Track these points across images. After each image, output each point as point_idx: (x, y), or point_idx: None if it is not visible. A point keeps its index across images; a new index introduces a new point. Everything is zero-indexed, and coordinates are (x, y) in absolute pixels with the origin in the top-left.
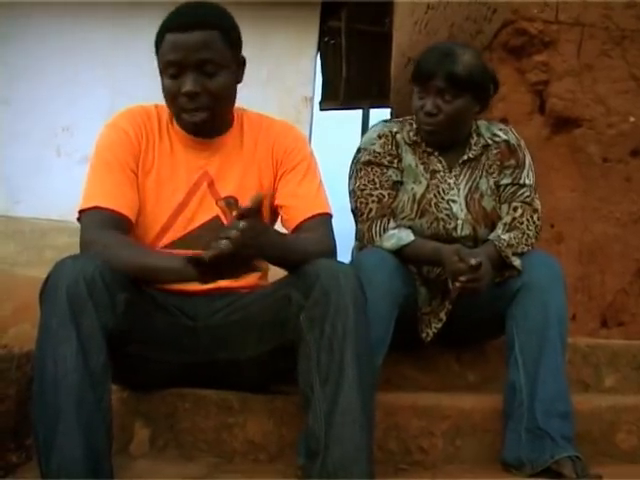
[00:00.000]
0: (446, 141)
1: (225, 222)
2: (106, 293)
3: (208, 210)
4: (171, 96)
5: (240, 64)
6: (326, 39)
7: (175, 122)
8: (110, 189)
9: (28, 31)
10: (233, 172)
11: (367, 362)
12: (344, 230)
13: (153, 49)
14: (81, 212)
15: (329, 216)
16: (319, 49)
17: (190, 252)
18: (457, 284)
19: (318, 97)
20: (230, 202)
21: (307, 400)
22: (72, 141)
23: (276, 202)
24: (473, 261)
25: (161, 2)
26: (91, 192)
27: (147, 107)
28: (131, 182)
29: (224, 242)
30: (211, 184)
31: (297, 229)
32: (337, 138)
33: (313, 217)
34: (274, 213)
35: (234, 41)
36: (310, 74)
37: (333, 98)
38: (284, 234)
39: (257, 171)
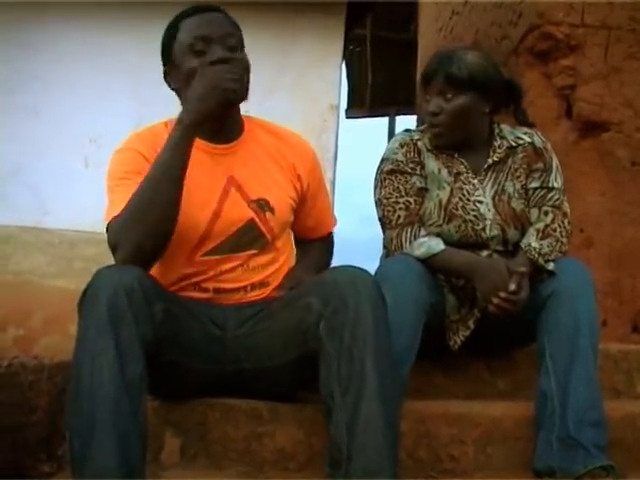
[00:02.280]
0: (457, 142)
1: (259, 223)
2: (145, 303)
3: (242, 213)
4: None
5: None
6: (351, 47)
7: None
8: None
9: (55, 41)
10: (256, 174)
11: (389, 370)
12: (371, 238)
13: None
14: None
15: (332, 232)
16: (344, 57)
17: (230, 256)
18: (495, 300)
19: (344, 105)
20: (262, 204)
21: (328, 410)
22: (99, 153)
23: (296, 215)
24: (512, 286)
25: (189, 1)
26: (112, 210)
27: (155, 127)
28: None
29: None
30: (239, 188)
31: (306, 243)
32: (364, 146)
33: (324, 237)
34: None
35: (240, 30)
36: (336, 81)
37: (359, 105)
38: (308, 269)
39: (279, 171)
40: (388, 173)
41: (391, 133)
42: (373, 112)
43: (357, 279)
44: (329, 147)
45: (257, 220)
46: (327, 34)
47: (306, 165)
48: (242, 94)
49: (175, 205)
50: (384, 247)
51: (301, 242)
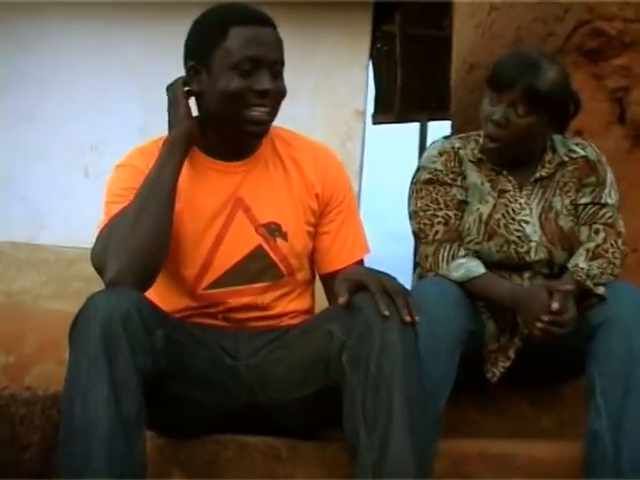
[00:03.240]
0: (509, 159)
1: (269, 250)
2: (143, 330)
3: (249, 240)
4: (239, 95)
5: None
6: (379, 45)
7: (197, 144)
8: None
9: (53, 40)
10: (269, 195)
11: (420, 405)
12: (400, 256)
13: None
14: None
15: (363, 260)
16: (371, 56)
17: (237, 289)
18: (538, 325)
19: (371, 110)
20: (272, 229)
21: (354, 449)
22: (101, 161)
23: (315, 240)
24: (555, 305)
25: (201, 2)
26: (106, 216)
27: (160, 141)
28: None
29: None
30: (247, 210)
31: (332, 275)
32: (392, 155)
33: (350, 265)
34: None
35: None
36: (362, 84)
37: (387, 111)
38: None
39: (296, 193)
40: (425, 183)
41: (422, 141)
42: (402, 118)
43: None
44: (354, 156)
45: (266, 247)
46: (352, 32)
47: (327, 181)
48: (269, 126)
49: (163, 226)
50: (417, 265)
51: (327, 279)
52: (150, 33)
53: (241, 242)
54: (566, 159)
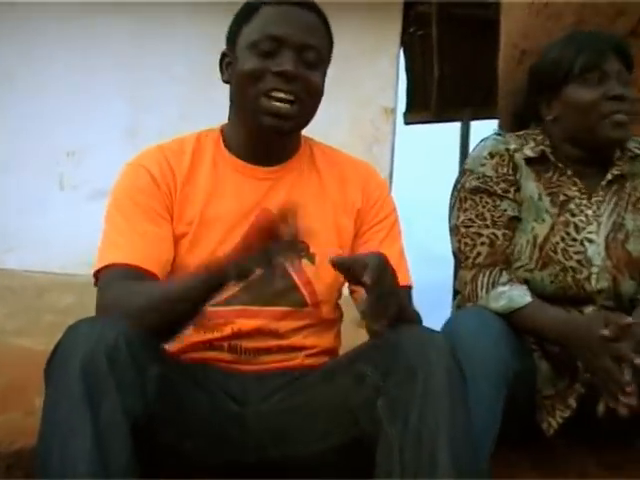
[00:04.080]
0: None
1: (292, 272)
2: (133, 367)
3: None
4: (255, 77)
5: (326, 70)
6: (412, 29)
7: (224, 145)
8: (130, 243)
9: (25, 28)
10: (302, 210)
11: (468, 465)
12: (437, 282)
13: (189, 50)
14: (97, 275)
15: (410, 289)
16: (402, 43)
17: (248, 308)
18: (622, 398)
19: (402, 107)
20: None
21: None
22: (79, 170)
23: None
24: (627, 378)
25: None
26: (107, 249)
27: (184, 139)
28: (159, 230)
29: None
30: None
31: None
32: (427, 161)
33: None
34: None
35: (331, 38)
36: (391, 77)
37: (422, 108)
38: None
39: (331, 211)
40: (472, 192)
41: (464, 144)
42: (440, 116)
43: (428, 343)
44: (382, 163)
45: (289, 267)
46: (380, 14)
47: (369, 198)
48: (296, 124)
49: (187, 323)
50: (457, 292)
51: None
52: (141, 18)
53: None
54: (638, 152)
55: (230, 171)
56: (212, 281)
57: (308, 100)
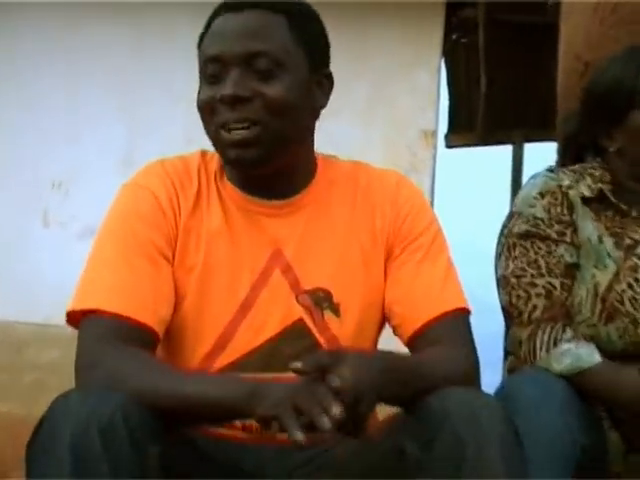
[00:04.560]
0: None
1: (312, 327)
2: (130, 446)
3: (286, 310)
4: (209, 110)
5: (321, 78)
6: (455, 36)
7: (225, 174)
8: (122, 283)
9: (10, 41)
10: (321, 250)
11: None
12: (486, 332)
13: (193, 66)
14: (73, 316)
15: (466, 313)
16: (444, 54)
17: (263, 376)
18: None
19: (443, 128)
20: (320, 298)
21: None
22: (67, 204)
23: (384, 298)
24: None
25: None
26: (91, 286)
27: (188, 158)
28: (159, 273)
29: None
30: (287, 270)
31: (417, 338)
32: (473, 192)
33: (441, 318)
34: (381, 312)
35: (308, 36)
36: (432, 94)
37: (466, 128)
38: (400, 356)
39: (358, 248)
40: (522, 237)
41: (516, 172)
42: (488, 138)
43: (479, 409)
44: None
45: (309, 322)
46: (418, 21)
47: (398, 210)
48: (264, 150)
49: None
50: (508, 353)
51: (415, 346)
52: (138, 27)
53: (275, 313)
54: None
55: (232, 206)
56: (238, 409)
57: (270, 118)
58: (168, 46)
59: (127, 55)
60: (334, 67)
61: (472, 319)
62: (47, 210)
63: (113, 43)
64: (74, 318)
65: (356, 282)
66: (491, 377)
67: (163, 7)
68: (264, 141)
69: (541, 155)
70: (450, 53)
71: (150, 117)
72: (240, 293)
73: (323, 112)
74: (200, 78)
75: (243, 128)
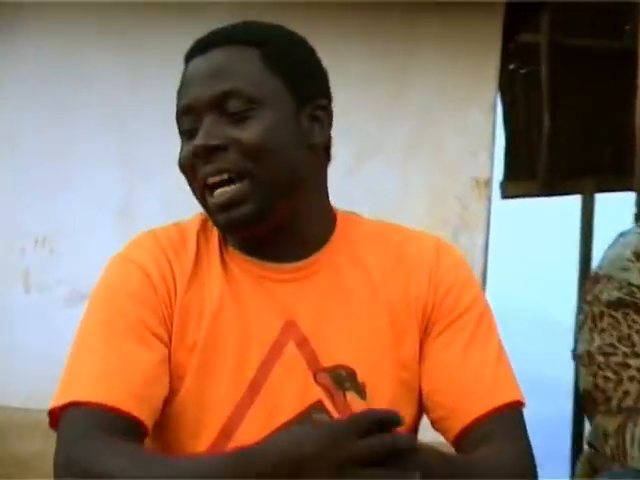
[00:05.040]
0: None
1: (333, 412)
2: None
3: (302, 392)
4: (190, 170)
5: (314, 110)
6: (513, 66)
7: (228, 238)
8: (107, 370)
9: None
10: (342, 320)
11: None
12: (549, 417)
13: None
14: (56, 413)
15: (520, 406)
16: (500, 86)
17: None
18: None
19: (498, 175)
20: (342, 377)
21: None
22: (52, 264)
23: (423, 385)
24: None
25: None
26: (73, 378)
27: (184, 225)
28: (150, 355)
29: None
30: (303, 343)
31: (466, 435)
32: (534, 251)
33: (493, 413)
34: (418, 396)
35: (288, 65)
36: (485, 135)
37: (526, 176)
38: (446, 455)
39: (386, 318)
40: (612, 306)
41: (587, 227)
42: (552, 187)
43: None
44: (473, 255)
45: (329, 406)
46: (470, 47)
47: (440, 281)
48: (255, 206)
49: None
50: (590, 445)
51: (460, 446)
52: (137, 51)
53: (289, 394)
54: None
55: (241, 272)
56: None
57: (253, 166)
58: (169, 80)
59: (125, 86)
60: (368, 103)
61: (529, 399)
62: (28, 271)
63: (108, 77)
64: (57, 420)
65: (385, 358)
66: (552, 469)
67: (164, 35)
68: (253, 195)
69: (615, 207)
70: (507, 86)
71: (152, 159)
72: (248, 371)
73: (354, 155)
74: (180, 137)
75: (223, 183)
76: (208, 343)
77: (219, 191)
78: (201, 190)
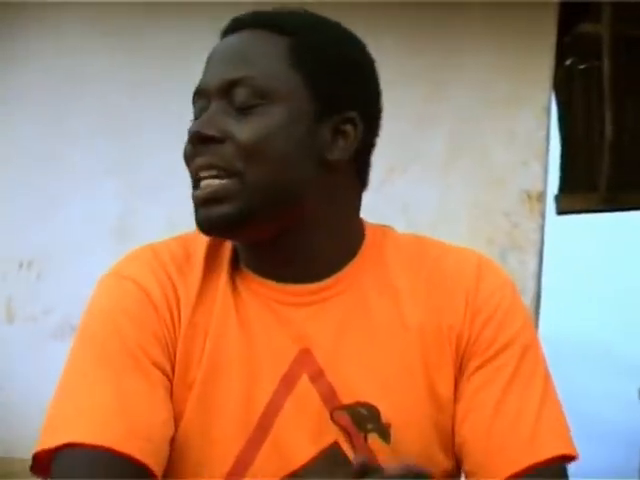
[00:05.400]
0: None
1: (352, 454)
2: None
3: (316, 432)
4: (187, 163)
5: (339, 122)
6: (569, 61)
7: (240, 256)
8: (103, 404)
9: None
10: (364, 351)
11: None
12: (619, 465)
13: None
14: (41, 462)
15: (567, 461)
16: (555, 85)
17: None
18: None
19: (553, 188)
20: (363, 416)
21: None
22: (38, 291)
23: (456, 428)
24: None
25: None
26: (63, 415)
27: (189, 239)
28: (153, 387)
29: None
30: (318, 377)
31: None
32: (594, 273)
33: (530, 471)
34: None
35: (320, 63)
36: (538, 142)
37: (585, 188)
38: None
39: (417, 349)
40: None
41: None
42: (615, 200)
43: None
44: (523, 279)
45: (347, 450)
46: (519, 41)
47: (479, 310)
48: (236, 208)
49: None
50: None
51: None
52: (137, 57)
53: (302, 436)
54: None
55: (251, 295)
56: None
57: (246, 166)
58: (178, 82)
59: (124, 90)
60: (402, 106)
61: (586, 447)
62: (11, 299)
63: (107, 74)
64: (43, 464)
65: (415, 396)
66: None
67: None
68: (237, 195)
69: None
70: (563, 84)
71: (153, 171)
72: (257, 405)
73: (386, 166)
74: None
75: (211, 177)
76: (211, 374)
77: (205, 182)
78: (193, 184)
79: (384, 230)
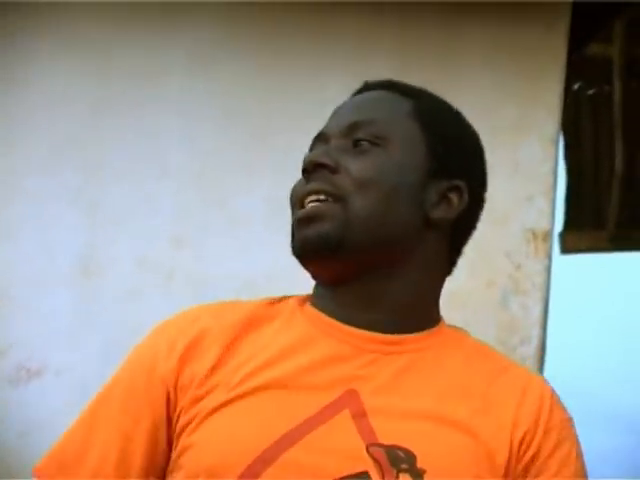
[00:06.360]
0: None
1: None
2: None
3: (348, 456)
4: (293, 198)
5: (445, 187)
6: (576, 85)
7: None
8: (68, 447)
9: None
10: (415, 405)
11: None
12: None
13: (190, 128)
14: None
15: None
16: (563, 112)
17: None
18: None
19: (558, 226)
20: (399, 457)
21: None
22: (15, 316)
23: None
24: None
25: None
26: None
27: (255, 307)
28: (138, 445)
29: None
30: (360, 417)
31: None
32: (603, 319)
33: None
34: None
35: (436, 124)
36: (545, 176)
37: (592, 225)
38: None
39: (467, 413)
40: None
41: None
42: (625, 240)
43: None
44: (526, 327)
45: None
46: (525, 62)
47: (542, 420)
48: (336, 227)
49: None
50: None
51: None
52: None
53: (332, 456)
54: None
55: (314, 321)
56: None
57: (353, 192)
58: (154, 96)
59: (88, 106)
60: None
61: None
62: None
63: (70, 88)
64: None
65: (451, 444)
66: None
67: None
68: (340, 217)
69: None
70: (570, 111)
71: (122, 198)
72: (287, 423)
73: None
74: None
75: (319, 201)
76: (255, 389)
77: (310, 205)
78: (294, 217)
79: (458, 328)
